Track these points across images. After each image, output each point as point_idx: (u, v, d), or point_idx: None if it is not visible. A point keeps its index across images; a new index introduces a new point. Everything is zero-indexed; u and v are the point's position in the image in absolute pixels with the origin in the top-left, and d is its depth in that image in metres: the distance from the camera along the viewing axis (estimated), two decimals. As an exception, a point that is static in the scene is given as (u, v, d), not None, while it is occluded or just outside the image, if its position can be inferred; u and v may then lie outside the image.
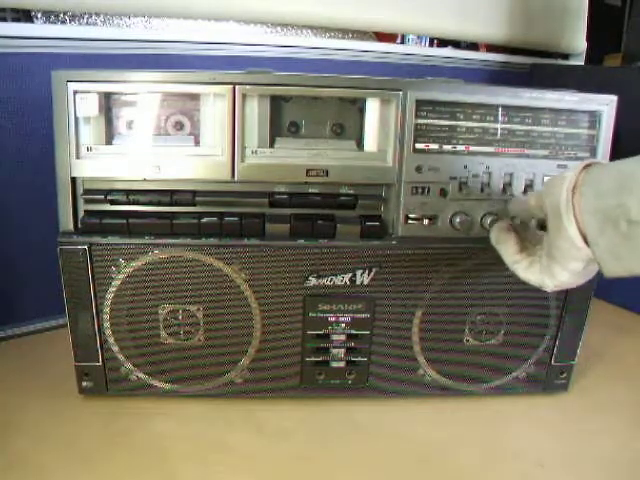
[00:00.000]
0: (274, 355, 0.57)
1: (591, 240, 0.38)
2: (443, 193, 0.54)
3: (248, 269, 0.53)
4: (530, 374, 0.61)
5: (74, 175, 0.52)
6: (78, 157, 0.51)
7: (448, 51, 1.01)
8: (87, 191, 0.52)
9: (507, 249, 0.47)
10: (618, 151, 0.56)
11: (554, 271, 0.42)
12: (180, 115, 0.53)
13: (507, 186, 0.55)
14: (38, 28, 0.68)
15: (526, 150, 0.55)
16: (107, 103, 0.51)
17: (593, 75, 0.94)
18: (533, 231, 0.48)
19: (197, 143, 0.53)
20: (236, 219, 0.53)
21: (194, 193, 0.53)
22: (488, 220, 0.53)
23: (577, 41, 1.06)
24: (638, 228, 0.35)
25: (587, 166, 0.40)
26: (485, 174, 0.54)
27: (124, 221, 0.52)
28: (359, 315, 0.56)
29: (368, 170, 0.54)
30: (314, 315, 0.56)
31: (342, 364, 0.58)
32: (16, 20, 0.68)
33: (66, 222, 0.53)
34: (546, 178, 0.55)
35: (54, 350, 0.65)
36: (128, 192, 0.52)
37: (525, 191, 0.55)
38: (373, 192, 0.55)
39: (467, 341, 0.58)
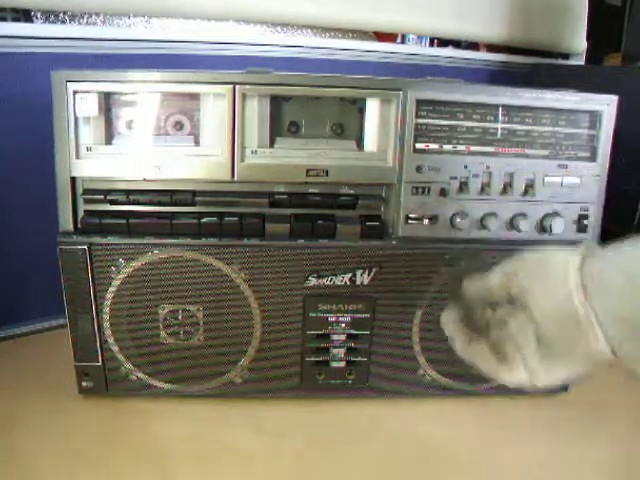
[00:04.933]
0: (274, 355, 0.57)
1: (617, 350, 0.34)
2: (443, 193, 0.54)
3: (248, 269, 0.53)
4: (530, 374, 0.61)
5: (74, 175, 0.52)
6: (78, 157, 0.51)
7: (449, 51, 1.01)
8: (87, 191, 0.52)
9: (484, 360, 0.42)
10: (618, 151, 0.56)
11: (552, 370, 0.38)
12: (180, 115, 0.53)
13: (507, 186, 0.55)
14: (38, 28, 0.68)
15: (526, 150, 0.55)
16: (107, 103, 0.51)
17: (593, 75, 0.94)
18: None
19: (197, 143, 0.53)
20: (236, 219, 0.53)
21: (194, 193, 0.53)
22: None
23: (577, 41, 1.06)
24: None
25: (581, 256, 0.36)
26: (485, 174, 0.54)
27: (124, 221, 0.52)
28: (359, 315, 0.56)
29: (368, 170, 0.54)
30: (314, 315, 0.56)
31: (342, 364, 0.58)
32: (16, 20, 0.68)
33: (66, 222, 0.53)
34: (547, 179, 0.55)
35: (54, 350, 0.65)
36: (128, 192, 0.52)
37: (526, 192, 0.55)
38: (373, 192, 0.55)
39: (467, 341, 0.58)
